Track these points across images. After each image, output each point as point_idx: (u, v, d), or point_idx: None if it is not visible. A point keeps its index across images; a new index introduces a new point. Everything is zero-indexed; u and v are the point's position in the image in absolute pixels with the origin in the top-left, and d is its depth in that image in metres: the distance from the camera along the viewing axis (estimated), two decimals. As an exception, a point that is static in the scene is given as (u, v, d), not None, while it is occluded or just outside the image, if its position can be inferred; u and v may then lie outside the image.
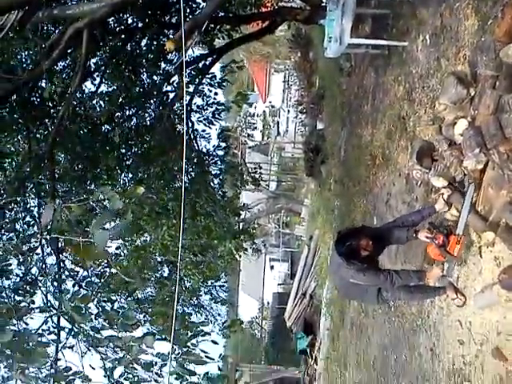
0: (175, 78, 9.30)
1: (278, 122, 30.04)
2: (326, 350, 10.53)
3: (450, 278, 4.70)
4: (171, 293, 7.43)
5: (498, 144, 3.82)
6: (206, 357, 5.77)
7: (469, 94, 4.55)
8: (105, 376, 5.40)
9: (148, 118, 9.74)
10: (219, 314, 8.91)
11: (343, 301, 8.88)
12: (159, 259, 8.31)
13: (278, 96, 29.62)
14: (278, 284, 24.76)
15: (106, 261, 6.17)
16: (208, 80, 9.46)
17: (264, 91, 30.75)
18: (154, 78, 9.52)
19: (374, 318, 6.86)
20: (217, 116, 9.26)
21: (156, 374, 5.44)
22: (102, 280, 6.23)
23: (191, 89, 9.49)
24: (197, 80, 9.54)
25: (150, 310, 5.84)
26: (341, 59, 10.02)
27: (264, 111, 31.81)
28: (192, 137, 9.96)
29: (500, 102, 4.32)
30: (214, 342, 6.69)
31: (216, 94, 9.41)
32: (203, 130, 9.74)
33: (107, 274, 6.72)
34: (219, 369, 5.58)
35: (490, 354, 4.10)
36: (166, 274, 8.48)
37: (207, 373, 5.29)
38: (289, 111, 25.40)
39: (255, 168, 12.68)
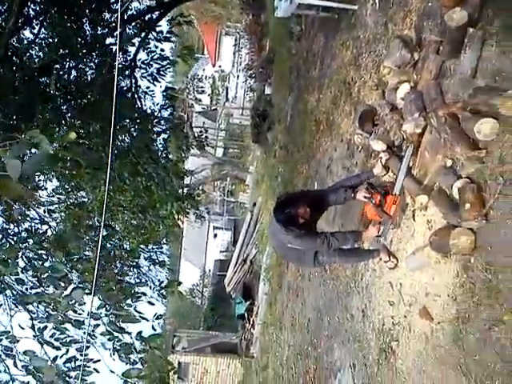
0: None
1: (227, 88, 29.70)
2: (264, 315, 10.66)
3: (384, 239, 4.76)
4: (108, 252, 7.22)
5: (438, 108, 3.83)
6: (140, 317, 5.67)
7: (413, 59, 4.54)
8: (35, 336, 5.20)
9: (89, 72, 9.30)
10: (159, 280, 8.69)
11: (281, 265, 8.96)
12: (96, 219, 8.02)
13: (228, 61, 29.19)
14: (221, 251, 24.83)
15: (29, 201, 5.87)
16: (154, 35, 9.08)
17: (214, 55, 30.21)
18: (97, 29, 9.08)
19: (311, 281, 6.95)
20: (162, 72, 8.92)
21: (89, 334, 5.29)
22: (34, 236, 5.96)
23: (136, 43, 9.11)
24: (142, 34, 9.17)
25: (80, 266, 5.63)
26: (291, 22, 9.89)
27: (213, 75, 31.34)
28: (136, 94, 9.62)
29: (442, 68, 4.34)
30: (150, 303, 6.61)
31: (162, 50, 9.06)
32: (147, 87, 9.39)
33: (40, 230, 6.45)
34: (153, 328, 5.51)
35: (417, 314, 4.19)
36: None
37: (140, 332, 5.20)
38: (238, 76, 25.12)
39: (201, 131, 12.44)
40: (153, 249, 10.39)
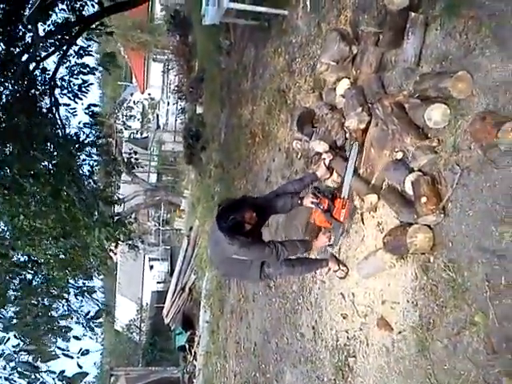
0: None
1: (157, 115, 29.11)
2: (206, 344, 10.01)
3: (335, 247, 4.40)
4: (27, 283, 6.43)
5: (383, 98, 3.55)
6: (64, 354, 5.00)
7: (351, 52, 4.27)
8: None
9: (5, 92, 8.54)
10: (86, 312, 7.86)
11: (223, 289, 8.43)
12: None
13: (158, 87, 28.71)
14: (158, 282, 23.85)
15: None
16: (75, 49, 8.49)
17: (142, 81, 29.61)
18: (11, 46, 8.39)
19: (255, 302, 6.47)
20: (84, 89, 8.31)
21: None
22: None
23: (55, 60, 8.49)
24: (61, 50, 8.56)
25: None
26: (220, 36, 9.61)
27: (143, 103, 30.75)
28: (56, 114, 8.92)
29: (383, 60, 4.10)
30: (76, 338, 5.89)
31: (84, 64, 8.44)
32: (67, 105, 8.70)
33: None
34: (79, 366, 4.82)
35: (374, 325, 3.82)
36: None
37: (63, 371, 4.53)
38: (168, 103, 24.62)
39: (130, 154, 11.82)
40: (80, 278, 9.52)
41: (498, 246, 2.78)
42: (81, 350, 4.78)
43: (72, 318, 6.15)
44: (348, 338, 4.15)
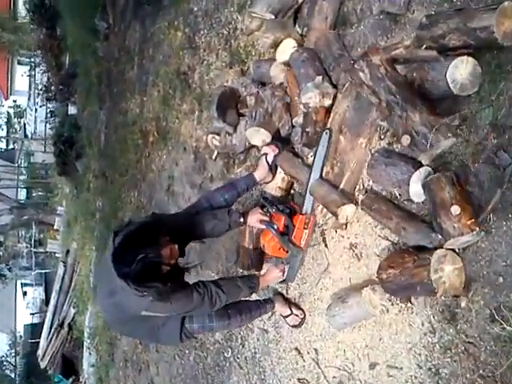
0: None
1: (24, 124, 26.01)
2: (93, 394, 8.18)
3: (290, 283, 3.06)
4: None
5: (369, 53, 2.27)
6: None
7: (296, 1, 2.99)
8: None
9: None
10: None
11: (111, 330, 6.70)
12: None
13: (24, 93, 25.66)
14: (31, 314, 21.00)
15: None
16: None
17: (6, 88, 26.27)
18: None
19: (159, 352, 4.90)
20: None
21: None
22: None
23: None
24: None
25: None
26: (95, 19, 7.90)
27: (7, 112, 27.49)
28: None
29: (341, 11, 2.87)
30: None
31: None
32: None
33: None
34: None
35: (358, 400, 2.55)
36: None
37: None
38: (36, 109, 21.81)
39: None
40: None
41: None
42: None
43: None
44: (314, 418, 2.83)
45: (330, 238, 2.82)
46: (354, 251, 2.67)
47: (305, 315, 2.98)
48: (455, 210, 1.94)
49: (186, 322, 2.72)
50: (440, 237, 2.04)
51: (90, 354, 8.57)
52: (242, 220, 2.73)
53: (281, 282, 2.98)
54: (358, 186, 2.67)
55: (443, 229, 1.99)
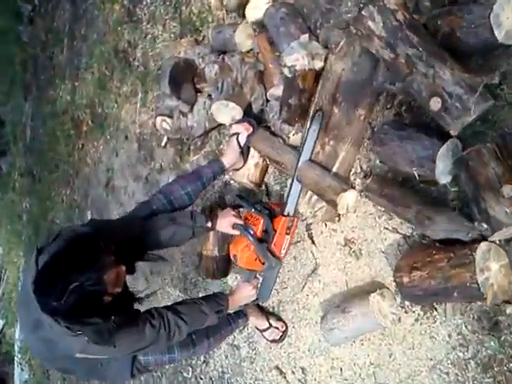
0: None
1: None
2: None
3: (265, 301, 2.53)
4: None
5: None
6: None
7: None
8: None
9: None
10: None
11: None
12: None
13: None
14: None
15: None
16: None
17: None
18: None
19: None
20: None
21: None
22: None
23: None
24: None
25: None
26: (18, 1, 7.03)
27: None
28: None
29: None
30: None
31: None
32: None
33: None
34: None
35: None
36: None
37: None
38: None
39: None
40: None
41: None
42: None
43: None
44: None
45: (319, 233, 2.32)
46: (350, 248, 2.19)
47: (287, 327, 2.47)
48: (508, 191, 1.49)
49: (140, 354, 2.13)
50: (484, 226, 1.58)
51: (22, 369, 7.70)
52: (209, 225, 2.16)
53: (252, 302, 2.43)
54: (353, 169, 2.19)
55: (490, 216, 1.54)
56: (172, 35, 3.53)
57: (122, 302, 1.79)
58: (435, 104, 1.63)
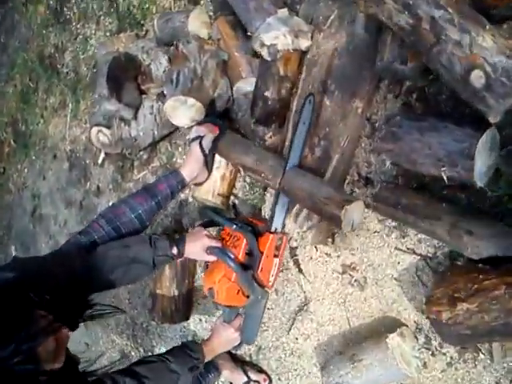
0: None
1: None
2: None
3: (247, 345, 2.01)
4: None
5: None
6: None
7: None
8: None
9: None
10: None
11: None
12: None
13: None
14: None
15: None
16: None
17: None
18: None
19: None
20: None
21: None
22: None
23: None
24: None
25: None
26: None
27: None
28: None
29: None
30: None
31: None
32: None
33: None
34: None
35: None
36: None
37: None
38: None
39: None
40: None
41: None
42: None
43: None
44: None
45: (308, 260, 1.85)
46: (351, 276, 1.74)
47: (270, 381, 1.96)
48: None
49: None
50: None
51: None
52: (175, 251, 1.64)
53: (235, 347, 1.91)
54: (348, 177, 1.75)
55: None
56: (108, 33, 3.02)
57: (63, 376, 1.22)
58: (477, 79, 1.22)
